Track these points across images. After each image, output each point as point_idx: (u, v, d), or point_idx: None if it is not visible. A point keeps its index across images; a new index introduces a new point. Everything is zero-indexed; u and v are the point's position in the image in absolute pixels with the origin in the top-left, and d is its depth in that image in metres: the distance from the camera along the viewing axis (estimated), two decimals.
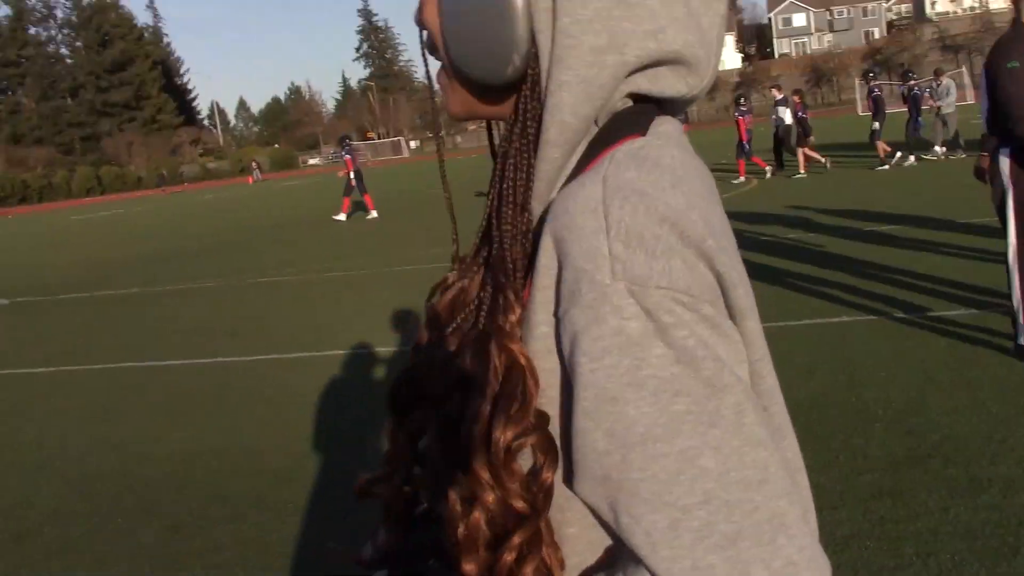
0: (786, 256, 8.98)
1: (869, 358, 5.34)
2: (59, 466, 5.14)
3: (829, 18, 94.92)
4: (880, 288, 7.04)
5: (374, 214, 19.90)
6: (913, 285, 7.00)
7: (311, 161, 79.59)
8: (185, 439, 5.37)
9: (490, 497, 0.74)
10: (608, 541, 0.77)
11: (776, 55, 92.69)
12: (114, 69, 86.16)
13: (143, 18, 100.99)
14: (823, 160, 18.11)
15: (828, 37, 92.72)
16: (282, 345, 7.59)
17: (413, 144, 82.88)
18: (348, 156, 20.62)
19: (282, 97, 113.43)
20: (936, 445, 3.95)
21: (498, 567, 0.74)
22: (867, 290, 7.04)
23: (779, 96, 19.64)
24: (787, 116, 19.14)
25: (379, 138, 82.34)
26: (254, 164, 59.41)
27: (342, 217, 20.16)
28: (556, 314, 0.73)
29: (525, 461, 0.75)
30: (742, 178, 18.29)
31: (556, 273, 0.73)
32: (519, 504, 0.74)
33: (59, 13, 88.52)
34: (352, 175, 20.22)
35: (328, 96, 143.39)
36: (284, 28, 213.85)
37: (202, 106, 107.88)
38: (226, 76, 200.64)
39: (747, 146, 18.57)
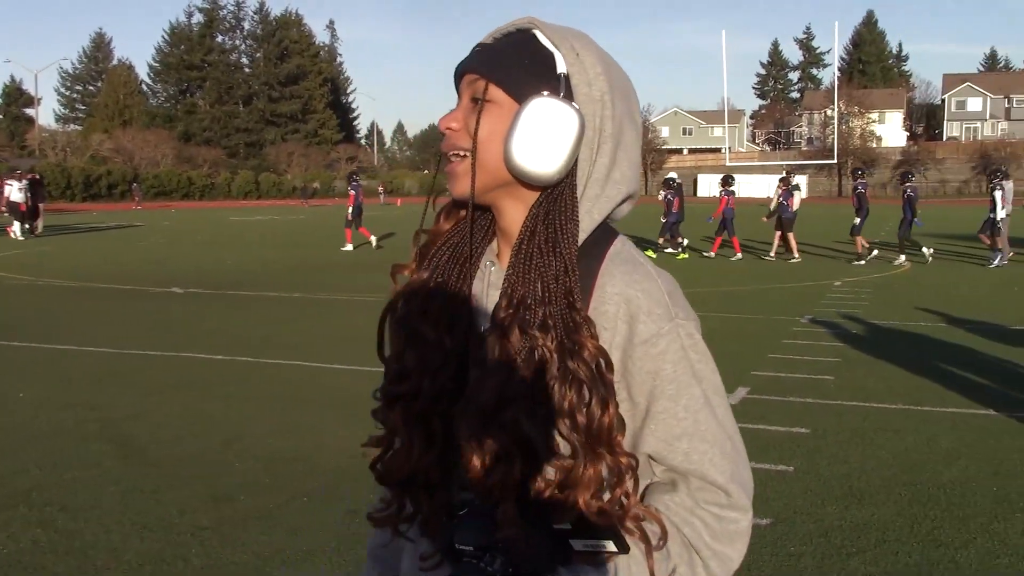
0: (927, 345, 9.02)
1: (1015, 452, 5.46)
2: (247, 444, 5.72)
3: (1007, 106, 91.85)
4: None
5: (349, 247, 21.36)
6: None
7: None
8: (356, 436, 5.87)
9: (608, 457, 1.17)
10: (645, 482, 1.27)
11: (944, 137, 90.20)
12: (287, 82, 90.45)
13: (322, 37, 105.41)
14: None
15: (1003, 125, 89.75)
16: None
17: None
18: (352, 192, 22.00)
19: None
20: None
21: (612, 498, 1.18)
22: (1015, 386, 7.08)
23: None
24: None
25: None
26: (380, 188, 61.81)
27: (348, 247, 21.45)
28: (626, 340, 1.22)
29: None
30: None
31: (622, 317, 1.22)
32: (624, 460, 1.19)
33: (246, 25, 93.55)
34: (351, 209, 21.80)
35: None
36: (449, 57, 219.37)
37: (362, 125, 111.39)
38: (389, 99, 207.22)
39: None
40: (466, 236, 1.31)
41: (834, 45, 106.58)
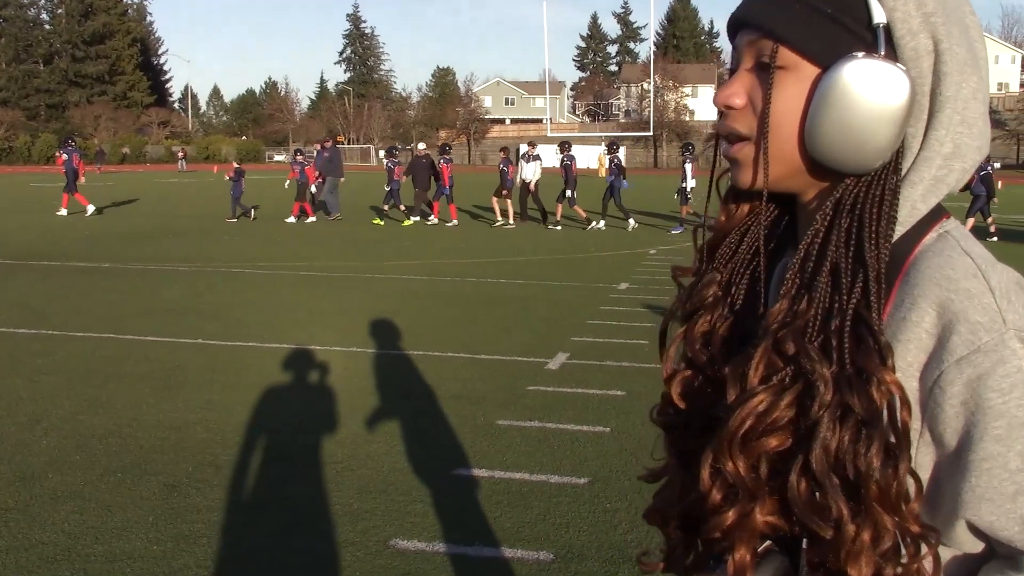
0: None
1: None
2: (54, 422, 5.47)
3: None
4: None
5: (292, 219, 20.82)
6: None
7: (277, 157, 79.35)
8: (173, 409, 5.74)
9: (890, 522, 0.88)
10: (948, 555, 0.96)
11: None
12: (92, 41, 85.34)
13: None
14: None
15: None
16: (261, 335, 7.96)
17: (382, 153, 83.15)
18: (297, 166, 21.34)
19: (257, 90, 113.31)
20: None
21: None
22: None
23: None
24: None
25: (349, 143, 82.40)
26: (180, 153, 59.91)
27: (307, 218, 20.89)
28: (935, 359, 0.90)
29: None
30: None
31: (927, 327, 0.91)
32: (915, 528, 0.90)
33: None
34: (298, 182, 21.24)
35: (304, 95, 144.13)
36: (270, 22, 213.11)
37: (175, 89, 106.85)
38: (204, 62, 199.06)
39: None
40: (759, 231, 1.07)
41: (650, 20, 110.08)
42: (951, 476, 0.91)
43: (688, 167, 19.70)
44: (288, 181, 22.37)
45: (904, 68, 0.91)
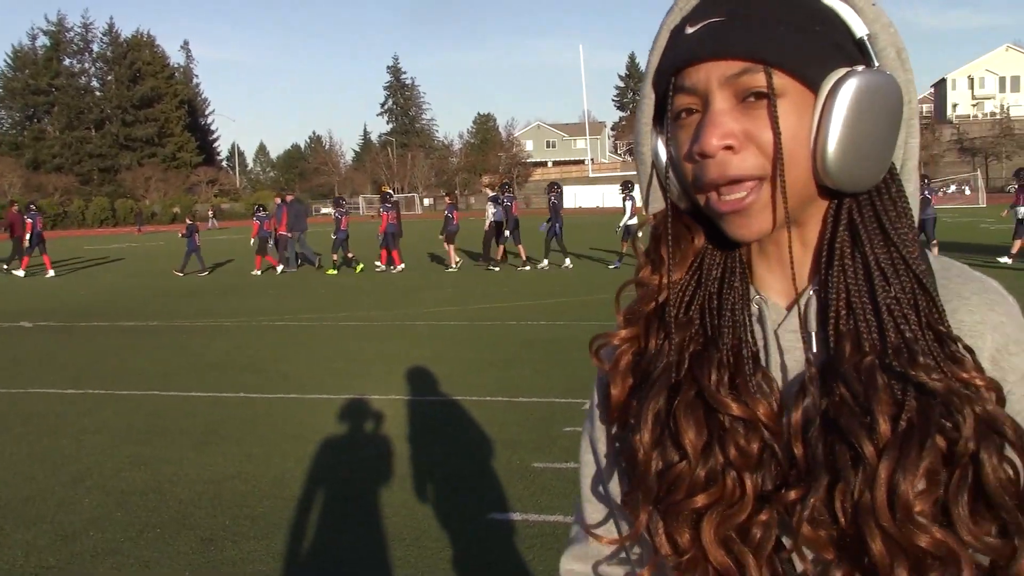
0: None
1: None
2: (97, 480, 5.57)
3: None
4: None
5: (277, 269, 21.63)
6: None
7: (323, 210, 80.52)
8: (212, 463, 5.81)
9: None
10: None
11: None
12: (141, 105, 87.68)
13: (176, 58, 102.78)
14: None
15: None
16: (302, 386, 8.05)
17: (427, 201, 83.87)
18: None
19: (302, 145, 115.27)
20: None
21: None
22: None
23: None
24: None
25: (394, 193, 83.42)
26: (210, 212, 61.67)
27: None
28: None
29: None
30: None
31: (982, 351, 0.89)
32: None
33: (95, 47, 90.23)
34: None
35: (348, 147, 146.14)
36: (312, 77, 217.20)
37: (223, 147, 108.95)
38: (249, 120, 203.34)
39: None
40: (715, 276, 0.98)
41: None
42: None
43: (628, 205, 20.18)
44: (252, 240, 22.75)
45: (892, 77, 0.90)
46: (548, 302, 13.82)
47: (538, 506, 4.83)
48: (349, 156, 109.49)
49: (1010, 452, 0.83)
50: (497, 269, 20.09)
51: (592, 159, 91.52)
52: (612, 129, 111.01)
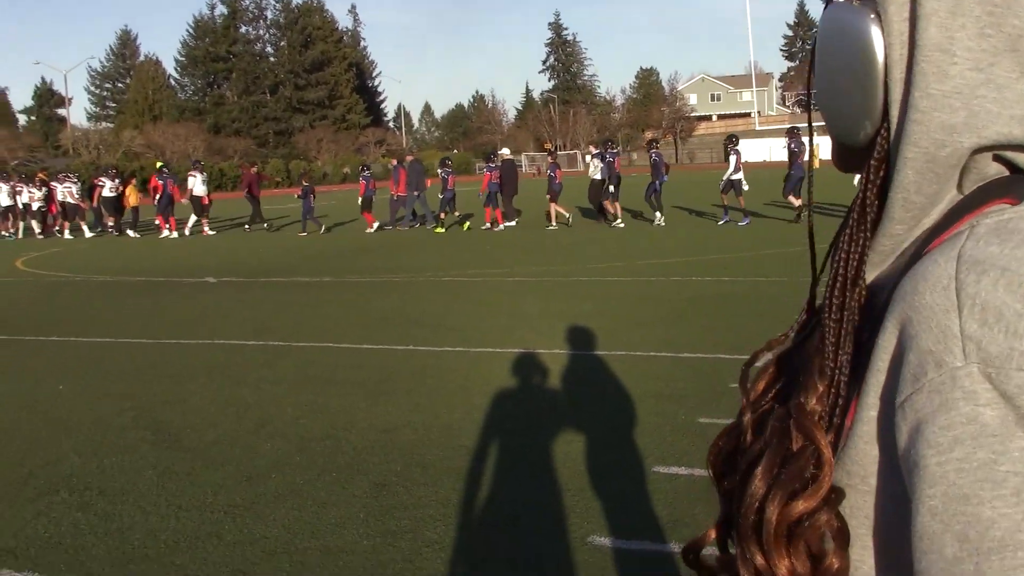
0: None
1: None
2: (277, 426, 5.85)
3: None
4: None
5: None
6: None
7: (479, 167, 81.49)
8: (383, 413, 6.01)
9: None
10: None
11: None
12: (312, 69, 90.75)
13: (344, 22, 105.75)
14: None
15: None
16: (467, 339, 8.20)
17: (588, 159, 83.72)
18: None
19: (466, 104, 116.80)
20: None
21: None
22: None
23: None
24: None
25: (556, 150, 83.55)
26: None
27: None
28: (893, 400, 0.67)
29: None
30: None
31: (896, 355, 0.67)
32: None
33: (269, 14, 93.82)
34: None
35: (510, 106, 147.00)
36: (474, 36, 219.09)
37: (389, 109, 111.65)
38: (415, 81, 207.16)
39: None
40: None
41: None
42: None
43: (733, 159, 19.30)
44: (359, 198, 23.24)
45: (872, 13, 0.72)
46: (713, 257, 13.58)
47: (703, 462, 4.75)
48: (512, 114, 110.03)
49: None
50: (621, 224, 19.98)
51: (759, 112, 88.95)
52: (780, 80, 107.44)
